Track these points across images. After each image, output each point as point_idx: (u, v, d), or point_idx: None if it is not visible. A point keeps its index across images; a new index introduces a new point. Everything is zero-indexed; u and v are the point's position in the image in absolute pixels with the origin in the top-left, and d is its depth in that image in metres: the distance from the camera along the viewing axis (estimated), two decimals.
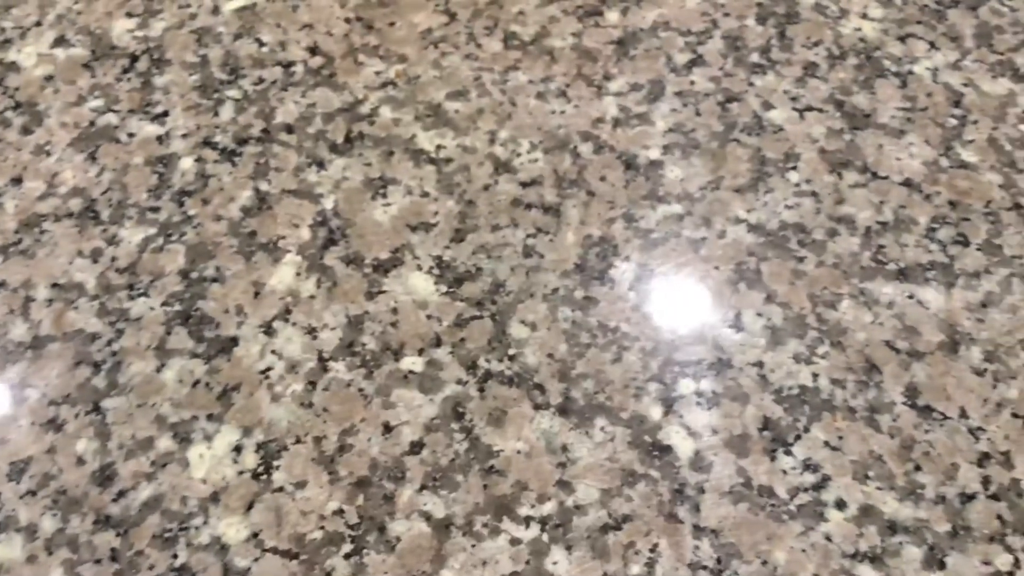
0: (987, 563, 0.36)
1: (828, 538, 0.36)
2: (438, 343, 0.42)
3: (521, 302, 0.43)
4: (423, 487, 0.38)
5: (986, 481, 0.38)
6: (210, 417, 0.40)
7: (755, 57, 0.52)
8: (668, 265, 0.44)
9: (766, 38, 0.53)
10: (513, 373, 0.41)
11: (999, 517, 0.37)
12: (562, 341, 0.42)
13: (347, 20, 0.55)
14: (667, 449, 0.39)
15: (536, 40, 0.53)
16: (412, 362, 0.41)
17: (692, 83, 0.51)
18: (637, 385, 0.40)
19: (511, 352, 0.41)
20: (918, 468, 0.38)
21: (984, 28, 0.53)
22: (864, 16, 0.53)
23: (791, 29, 0.53)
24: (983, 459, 0.38)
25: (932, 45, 0.52)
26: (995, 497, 0.37)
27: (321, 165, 0.48)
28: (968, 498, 0.37)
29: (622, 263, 0.44)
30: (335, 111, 0.50)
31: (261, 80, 0.52)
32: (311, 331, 0.42)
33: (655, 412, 0.40)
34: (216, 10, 0.55)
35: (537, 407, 0.40)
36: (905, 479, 0.38)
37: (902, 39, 0.52)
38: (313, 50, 0.53)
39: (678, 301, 0.43)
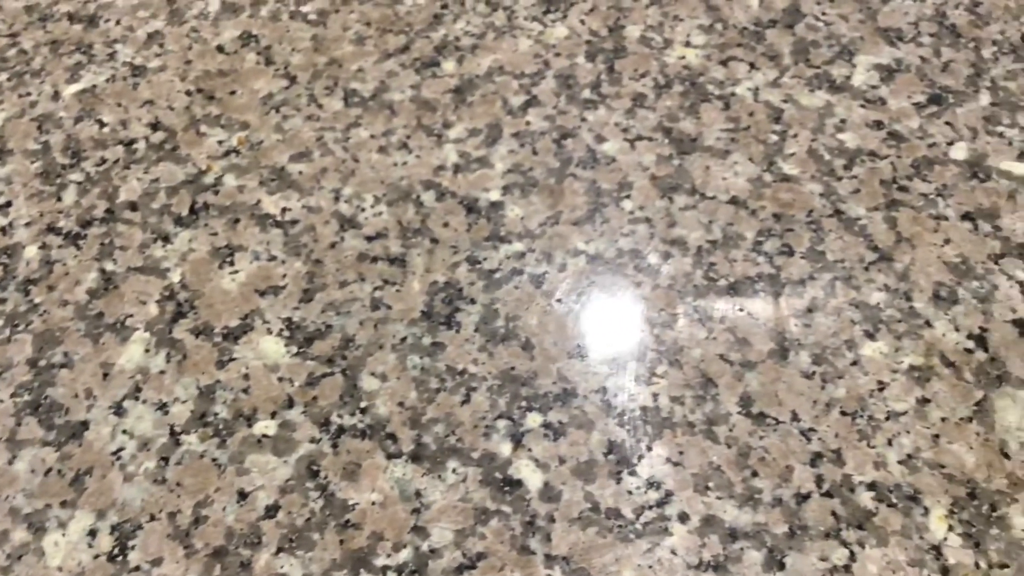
0: (824, 559, 0.37)
1: (673, 552, 0.38)
2: (290, 404, 0.42)
3: (371, 355, 0.44)
4: (279, 550, 0.38)
5: (819, 480, 0.39)
6: (63, 504, 0.40)
7: (587, 93, 0.54)
8: (512, 303, 0.45)
9: (596, 74, 0.55)
10: (365, 426, 0.42)
11: (833, 513, 0.38)
12: (412, 389, 0.43)
13: (188, 93, 0.55)
14: (517, 483, 0.40)
15: (376, 95, 0.54)
16: (265, 426, 0.42)
17: (528, 123, 0.52)
18: (486, 424, 0.41)
19: (363, 405, 0.42)
20: (755, 474, 0.39)
21: (801, 44, 0.55)
22: (687, 44, 0.56)
23: (619, 63, 0.55)
24: (816, 459, 0.40)
25: (752, 66, 0.54)
26: (828, 495, 0.39)
27: (167, 239, 0.48)
28: (803, 498, 0.39)
29: (467, 306, 0.45)
30: (179, 184, 0.51)
31: (103, 160, 0.52)
32: (162, 406, 0.43)
33: (505, 449, 0.41)
34: (56, 95, 0.56)
35: (390, 456, 0.41)
36: (743, 486, 0.39)
37: (724, 63, 0.55)
38: (155, 125, 0.54)
39: (522, 337, 0.44)
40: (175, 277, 0.47)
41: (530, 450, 0.41)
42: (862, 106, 0.52)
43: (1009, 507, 0.38)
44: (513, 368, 0.43)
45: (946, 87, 0.53)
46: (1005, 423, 0.40)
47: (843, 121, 0.51)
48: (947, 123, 0.51)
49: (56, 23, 0.59)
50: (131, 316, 0.46)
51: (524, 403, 0.42)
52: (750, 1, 0.58)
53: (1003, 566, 0.37)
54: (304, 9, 0.59)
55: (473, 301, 0.45)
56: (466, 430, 0.41)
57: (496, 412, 0.42)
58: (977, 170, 0.49)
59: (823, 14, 0.57)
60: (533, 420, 0.41)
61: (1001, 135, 0.51)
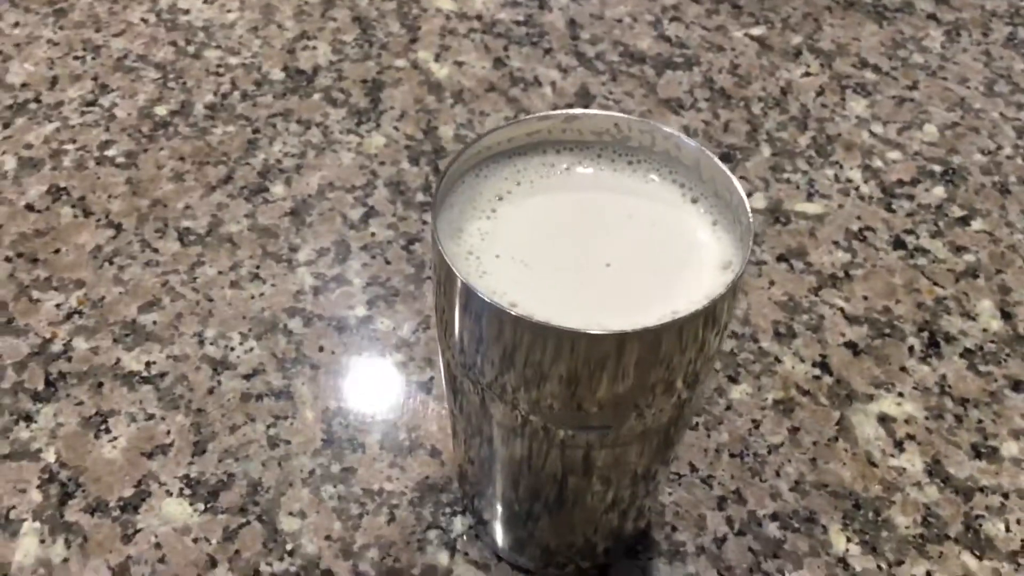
0: None
1: None
2: (213, 564, 0.41)
3: (283, 494, 0.44)
4: None
5: (730, 521, 0.43)
6: None
7: (420, 196, 0.56)
8: (408, 414, 0.46)
9: (424, 176, 0.57)
10: (298, 567, 0.41)
11: (750, 549, 0.42)
12: (335, 520, 0.43)
13: (8, 259, 0.52)
14: None
15: (212, 230, 0.54)
16: None
17: (373, 234, 0.54)
18: (418, 538, 0.42)
19: (288, 547, 0.42)
20: (675, 529, 0.43)
21: None
22: None
23: (442, 161, 0.58)
24: (721, 502, 0.44)
25: None
26: (741, 533, 0.43)
27: (29, 418, 0.46)
28: (721, 541, 0.43)
29: (367, 424, 0.46)
30: (25, 357, 0.48)
31: None
32: None
33: (443, 558, 0.42)
34: None
35: None
36: (668, 542, 0.42)
37: None
38: None
39: (427, 445, 0.45)
40: (50, 457, 0.45)
41: (466, 554, 0.42)
42: None
43: (889, 509, 0.44)
44: (427, 477, 0.44)
45: (731, 145, 0.59)
46: (865, 435, 0.46)
47: None
48: (741, 177, 0.57)
49: None
50: (14, 507, 0.43)
51: (448, 509, 0.43)
52: (544, 89, 0.63)
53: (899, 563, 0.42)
54: (109, 153, 0.58)
55: (372, 418, 0.46)
56: (400, 549, 0.42)
57: (424, 524, 0.43)
58: (778, 215, 0.56)
59: (610, 93, 0.63)
60: (462, 523, 0.43)
61: (788, 180, 0.58)
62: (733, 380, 0.48)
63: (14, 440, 0.45)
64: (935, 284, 0.52)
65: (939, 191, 0.57)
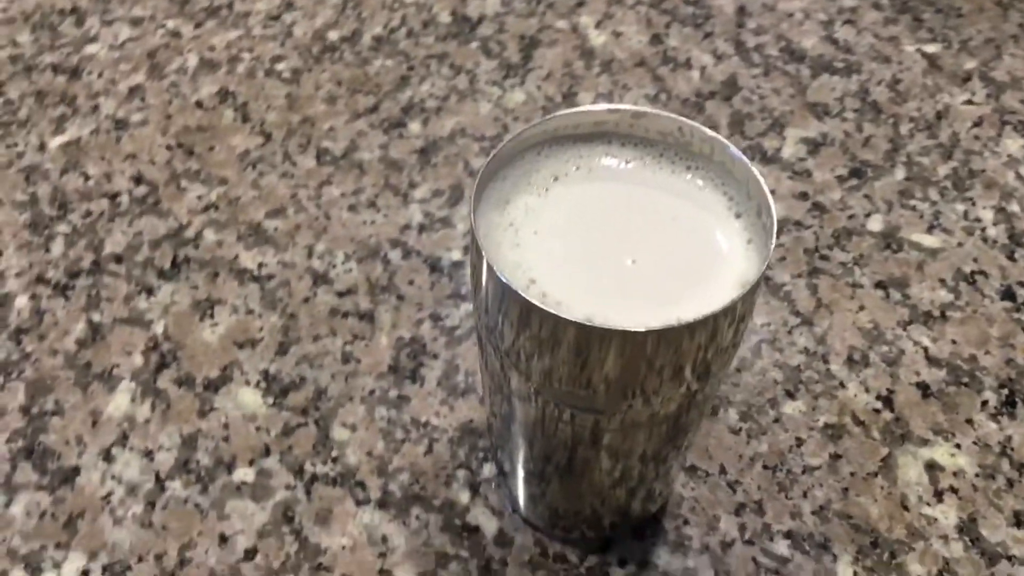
0: None
1: None
2: (267, 453, 0.46)
3: (342, 406, 0.48)
4: None
5: (742, 528, 0.44)
6: (58, 545, 0.44)
7: None
8: (471, 359, 0.50)
9: None
10: (336, 474, 0.46)
11: (753, 559, 0.43)
12: (379, 439, 0.47)
13: (168, 147, 0.59)
14: (475, 530, 0.44)
15: (347, 154, 0.59)
16: (244, 473, 0.46)
17: None
18: (447, 473, 0.46)
19: (334, 454, 0.46)
20: (686, 522, 0.44)
21: (737, 116, 0.60)
22: None
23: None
24: (740, 509, 0.45)
25: None
26: (750, 542, 0.44)
27: (150, 292, 0.52)
28: (728, 545, 0.44)
29: (430, 361, 0.50)
30: (161, 238, 0.54)
31: (89, 213, 0.55)
32: (148, 453, 0.46)
33: (464, 496, 0.45)
34: (42, 147, 0.59)
35: (359, 503, 0.45)
36: (675, 533, 0.44)
37: None
38: (137, 179, 0.57)
39: (479, 392, 0.48)
40: (159, 329, 0.51)
41: (486, 498, 0.45)
42: (790, 178, 0.57)
43: (907, 555, 0.43)
44: (471, 420, 0.47)
45: (866, 161, 0.58)
46: (906, 478, 0.46)
47: (772, 192, 0.56)
48: (865, 196, 0.56)
49: (41, 74, 0.63)
50: (117, 366, 0.49)
51: (481, 454, 0.46)
52: (692, 73, 0.63)
53: None
54: (279, 67, 0.63)
55: (436, 356, 0.50)
56: (428, 479, 0.46)
57: (456, 462, 0.46)
58: (891, 241, 0.55)
59: (758, 87, 0.62)
60: (489, 470, 0.46)
61: (913, 208, 0.56)
62: (790, 395, 0.48)
63: (133, 308, 0.51)
64: None
65: None
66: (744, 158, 0.35)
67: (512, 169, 0.37)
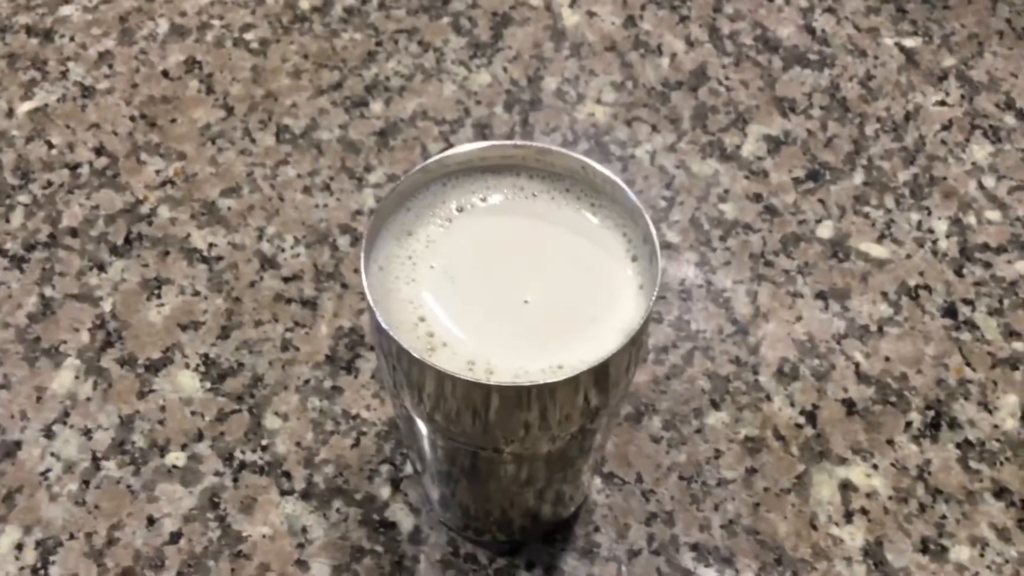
0: None
1: None
2: (200, 438, 0.48)
3: (276, 395, 0.49)
4: (179, 574, 0.44)
5: (651, 538, 0.45)
6: None
7: None
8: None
9: (510, 125, 0.59)
10: (264, 462, 0.47)
11: (658, 570, 0.45)
12: (309, 430, 0.48)
13: (131, 118, 0.59)
14: (392, 525, 0.46)
15: (306, 133, 0.59)
16: (176, 457, 0.48)
17: None
18: (371, 468, 0.47)
19: (264, 443, 0.48)
20: (596, 529, 0.46)
21: (701, 109, 0.60)
22: (598, 101, 0.60)
23: (533, 116, 0.60)
24: (651, 519, 0.46)
25: (654, 128, 0.59)
26: (656, 552, 0.45)
27: (102, 268, 0.53)
28: (634, 554, 0.45)
29: (367, 352, 0.51)
30: (117, 212, 0.56)
31: (50, 184, 0.57)
32: (87, 432, 0.48)
33: (385, 492, 0.47)
34: (11, 112, 0.60)
35: (283, 493, 0.47)
36: (585, 539, 0.45)
37: (628, 123, 0.59)
38: (99, 150, 0.58)
39: None
40: (107, 306, 0.52)
41: (406, 495, 0.47)
42: (746, 177, 0.57)
43: (809, 575, 0.44)
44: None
45: (825, 163, 0.58)
46: (819, 496, 0.47)
47: (726, 191, 0.56)
48: (820, 200, 0.56)
49: (15, 35, 0.63)
50: (65, 343, 0.51)
51: (404, 451, 0.48)
52: (662, 60, 0.62)
53: None
54: (247, 37, 0.63)
55: (373, 348, 0.51)
56: (352, 472, 0.47)
57: (381, 457, 0.48)
58: (838, 249, 0.54)
59: (726, 78, 0.62)
60: (410, 467, 0.47)
61: (867, 216, 0.56)
62: (715, 405, 0.49)
63: (84, 284, 0.53)
64: (967, 364, 0.51)
65: (1021, 267, 0.54)
66: (639, 204, 0.35)
67: (416, 200, 0.37)
